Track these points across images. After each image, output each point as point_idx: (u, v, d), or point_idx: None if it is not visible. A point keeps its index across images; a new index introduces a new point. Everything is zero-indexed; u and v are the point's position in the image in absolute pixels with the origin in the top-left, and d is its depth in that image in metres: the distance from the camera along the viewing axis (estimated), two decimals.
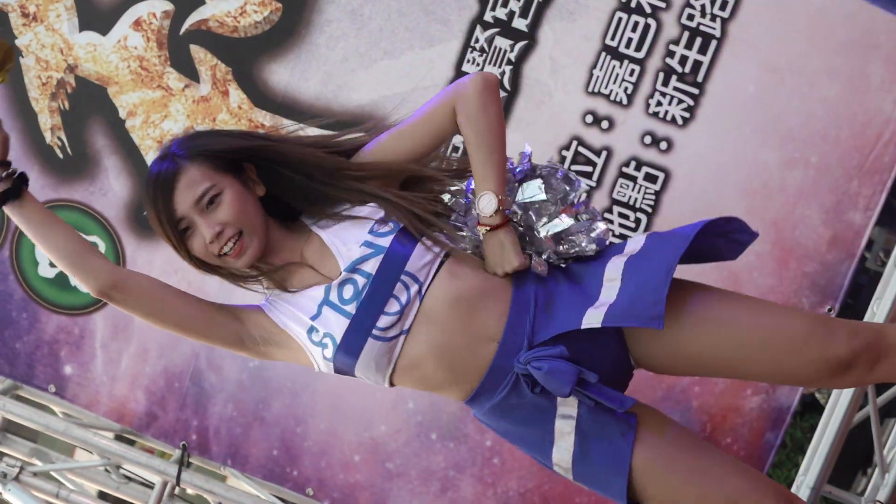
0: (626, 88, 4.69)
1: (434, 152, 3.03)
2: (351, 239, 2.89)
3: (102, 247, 4.97)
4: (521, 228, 2.95)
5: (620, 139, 4.72)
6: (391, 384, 2.91)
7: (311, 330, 2.88)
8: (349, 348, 2.83)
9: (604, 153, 4.72)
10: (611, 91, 4.70)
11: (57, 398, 5.14)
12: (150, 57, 4.86)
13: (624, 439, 2.82)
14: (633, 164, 4.71)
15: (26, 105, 4.92)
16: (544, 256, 2.92)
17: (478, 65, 4.71)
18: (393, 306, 2.82)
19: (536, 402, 2.85)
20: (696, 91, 4.67)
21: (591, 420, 2.83)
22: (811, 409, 7.68)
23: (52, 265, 5.00)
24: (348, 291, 2.84)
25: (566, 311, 2.84)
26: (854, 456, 6.07)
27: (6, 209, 2.90)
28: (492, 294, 2.87)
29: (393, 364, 2.86)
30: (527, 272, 2.90)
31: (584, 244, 2.92)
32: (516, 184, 2.97)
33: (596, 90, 4.70)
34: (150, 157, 4.89)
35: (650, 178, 4.71)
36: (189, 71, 4.85)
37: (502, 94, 4.71)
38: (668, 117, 4.69)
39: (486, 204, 2.87)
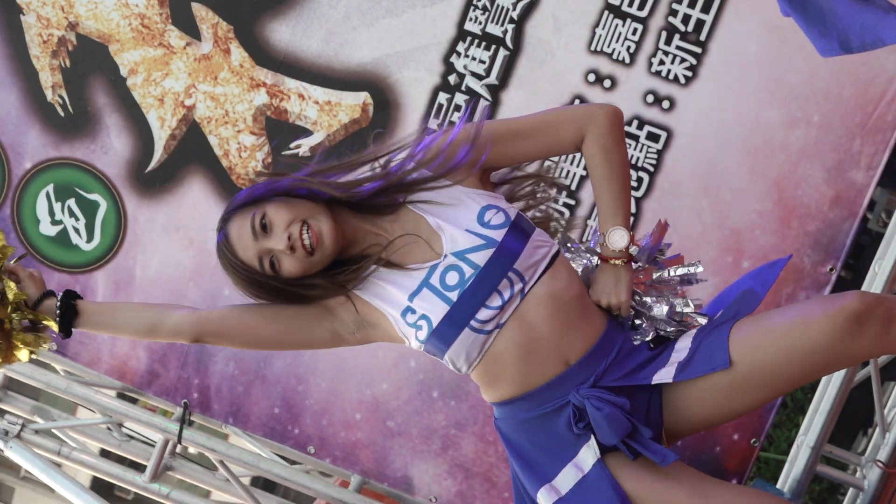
0: (628, 47, 4.67)
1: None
2: (457, 221, 2.88)
3: (104, 206, 4.96)
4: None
5: (623, 98, 4.70)
6: (469, 373, 2.93)
7: (407, 311, 2.87)
8: (444, 335, 2.85)
9: None
10: (613, 50, 4.68)
11: (59, 356, 5.15)
12: (151, 15, 4.84)
13: None
14: (635, 122, 4.70)
15: (27, 63, 4.91)
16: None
17: (479, 23, 4.69)
18: (495, 300, 2.84)
19: (564, 439, 2.88)
20: (698, 50, 4.65)
21: (595, 481, 2.85)
22: None
23: (53, 223, 5.00)
24: (452, 278, 2.84)
25: (638, 368, 2.88)
26: (855, 416, 6.07)
27: (77, 329, 2.98)
28: (588, 316, 2.91)
29: (482, 356, 2.87)
30: (619, 321, 2.97)
31: (670, 329, 2.97)
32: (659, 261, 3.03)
33: (598, 49, 4.69)
34: (150, 115, 4.88)
35: (652, 137, 4.70)
36: (190, 29, 4.83)
37: (504, 52, 4.70)
38: (671, 76, 4.67)
39: (619, 239, 2.91)
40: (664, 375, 2.82)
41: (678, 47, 4.65)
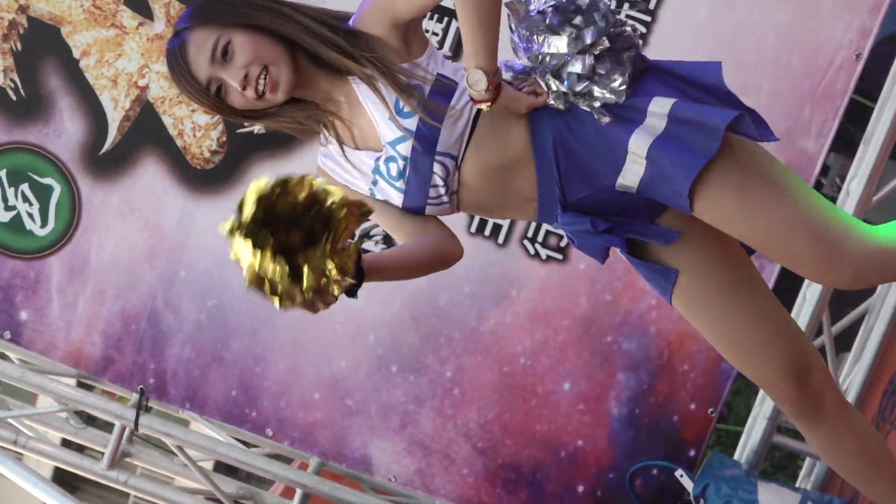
0: None
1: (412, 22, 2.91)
2: (381, 110, 2.85)
3: (58, 189, 4.95)
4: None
5: None
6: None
7: (372, 193, 2.93)
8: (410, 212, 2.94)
9: None
10: None
11: (12, 345, 5.09)
12: None
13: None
14: None
15: None
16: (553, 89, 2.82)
17: None
18: (436, 181, 2.85)
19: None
20: (648, 18, 4.70)
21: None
22: None
23: (6, 209, 4.98)
24: (393, 169, 2.85)
25: (596, 163, 2.83)
26: None
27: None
28: (518, 162, 2.86)
29: (456, 207, 2.94)
30: (541, 123, 2.85)
31: (599, 92, 2.78)
32: (545, 31, 2.80)
33: None
34: (104, 96, 4.88)
35: None
36: (143, 9, 4.83)
37: (457, 24, 4.73)
38: None
39: (476, 82, 2.72)
40: (629, 180, 2.79)
41: (628, 16, 4.70)
